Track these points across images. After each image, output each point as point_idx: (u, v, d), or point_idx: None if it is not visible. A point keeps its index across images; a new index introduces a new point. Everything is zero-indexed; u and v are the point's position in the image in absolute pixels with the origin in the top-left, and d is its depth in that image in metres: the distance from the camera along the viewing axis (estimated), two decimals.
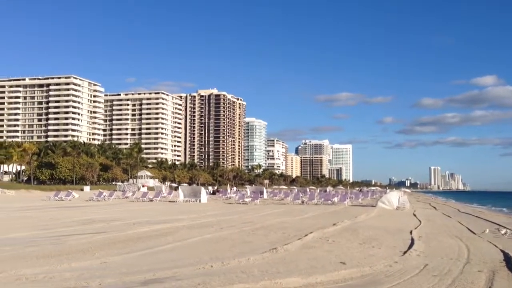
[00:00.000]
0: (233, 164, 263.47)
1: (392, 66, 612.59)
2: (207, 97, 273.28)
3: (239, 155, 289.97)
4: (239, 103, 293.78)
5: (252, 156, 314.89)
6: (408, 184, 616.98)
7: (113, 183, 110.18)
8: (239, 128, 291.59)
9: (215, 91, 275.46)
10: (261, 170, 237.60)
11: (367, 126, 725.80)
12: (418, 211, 40.13)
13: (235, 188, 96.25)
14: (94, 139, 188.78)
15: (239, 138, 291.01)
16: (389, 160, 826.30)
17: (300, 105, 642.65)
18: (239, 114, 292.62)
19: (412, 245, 16.20)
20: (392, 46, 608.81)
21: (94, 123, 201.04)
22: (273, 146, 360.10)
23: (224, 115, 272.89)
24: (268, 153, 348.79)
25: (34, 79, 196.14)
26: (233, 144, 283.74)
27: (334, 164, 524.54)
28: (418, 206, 54.11)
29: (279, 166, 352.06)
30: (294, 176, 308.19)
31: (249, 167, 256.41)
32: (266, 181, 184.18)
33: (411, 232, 20.63)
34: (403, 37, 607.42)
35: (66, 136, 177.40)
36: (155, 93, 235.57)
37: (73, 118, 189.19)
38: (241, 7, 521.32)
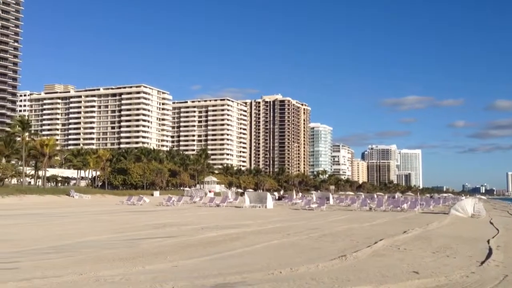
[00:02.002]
0: (298, 170, 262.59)
1: (463, 67, 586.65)
2: (271, 103, 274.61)
3: (304, 161, 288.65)
4: (304, 109, 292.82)
5: (317, 162, 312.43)
6: (483, 191, 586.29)
7: (181, 188, 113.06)
8: (304, 134, 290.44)
9: (279, 97, 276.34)
10: (327, 175, 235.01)
11: (437, 130, 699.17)
12: (495, 219, 37.96)
13: (300, 194, 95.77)
14: (162, 145, 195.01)
15: (304, 144, 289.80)
16: (462, 166, 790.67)
17: (366, 110, 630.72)
18: (304, 120, 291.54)
19: (490, 255, 15.34)
20: (463, 46, 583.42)
21: (162, 130, 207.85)
22: (339, 151, 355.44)
23: (288, 121, 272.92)
24: (334, 159, 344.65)
25: (108, 88, 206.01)
26: (298, 150, 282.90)
27: (402, 170, 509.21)
28: (494, 213, 51.22)
29: (345, 172, 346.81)
30: (360, 182, 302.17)
31: (315, 172, 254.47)
32: (332, 187, 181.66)
33: (488, 241, 19.55)
34: (474, 36, 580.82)
35: (137, 143, 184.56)
36: (221, 100, 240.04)
37: (143, 126, 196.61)
38: (304, 11, 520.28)
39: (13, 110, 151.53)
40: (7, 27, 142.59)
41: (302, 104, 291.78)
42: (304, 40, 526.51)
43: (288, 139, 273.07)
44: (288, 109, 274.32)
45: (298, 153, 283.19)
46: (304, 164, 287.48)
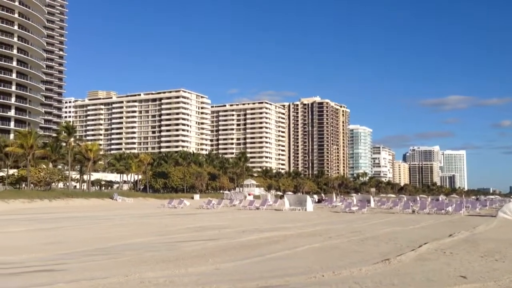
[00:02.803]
0: (338, 172, 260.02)
1: (508, 65, 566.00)
2: (310, 105, 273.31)
3: (343, 163, 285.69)
4: (343, 110, 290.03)
5: (357, 164, 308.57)
6: None
7: (221, 191, 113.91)
8: (343, 136, 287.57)
9: (317, 99, 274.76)
10: (367, 178, 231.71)
11: (482, 130, 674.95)
12: None
13: (342, 197, 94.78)
14: (202, 149, 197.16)
15: (343, 146, 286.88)
16: (509, 166, 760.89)
17: (406, 110, 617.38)
18: (343, 122, 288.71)
19: None
20: (508, 44, 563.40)
21: (201, 133, 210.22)
22: (379, 153, 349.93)
23: (327, 123, 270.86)
24: (374, 161, 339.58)
25: (148, 94, 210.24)
26: (337, 152, 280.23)
27: (446, 171, 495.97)
28: None
29: (386, 174, 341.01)
30: (402, 184, 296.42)
31: (354, 175, 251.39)
32: (373, 189, 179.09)
33: None
34: None
35: (176, 146, 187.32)
36: (259, 103, 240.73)
37: (183, 130, 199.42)
38: (340, 12, 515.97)
39: (59, 116, 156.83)
40: (52, 36, 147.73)
41: (341, 106, 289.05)
42: (342, 41, 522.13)
43: (327, 141, 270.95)
44: (327, 111, 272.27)
45: (338, 156, 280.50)
46: (343, 166, 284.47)
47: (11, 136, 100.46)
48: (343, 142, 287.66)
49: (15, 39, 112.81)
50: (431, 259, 14.56)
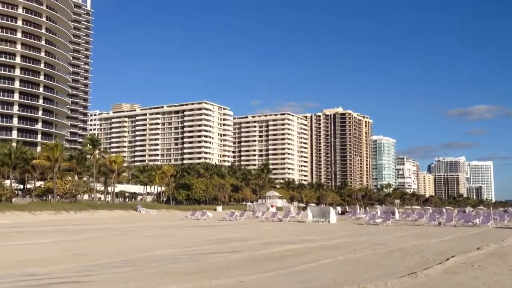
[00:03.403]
0: (361, 184, 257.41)
1: None
2: (332, 116, 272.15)
3: (367, 174, 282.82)
4: (365, 121, 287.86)
5: (380, 175, 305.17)
6: None
7: (243, 203, 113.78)
8: (366, 147, 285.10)
9: (340, 110, 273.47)
10: (391, 189, 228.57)
11: (509, 140, 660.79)
12: None
13: (368, 209, 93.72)
14: (224, 160, 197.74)
15: (366, 157, 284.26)
16: None
17: (430, 121, 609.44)
18: (366, 132, 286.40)
19: None
20: None
21: (224, 145, 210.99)
22: (403, 164, 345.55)
23: (350, 134, 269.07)
24: (398, 172, 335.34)
25: (171, 106, 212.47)
26: (361, 163, 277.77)
27: (472, 183, 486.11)
28: None
29: (410, 185, 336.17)
30: (427, 195, 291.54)
31: (378, 186, 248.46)
32: (397, 201, 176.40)
33: None
34: None
35: (199, 158, 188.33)
36: (281, 114, 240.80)
37: (205, 141, 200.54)
38: (363, 20, 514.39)
39: (84, 129, 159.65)
40: (78, 50, 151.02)
41: (364, 117, 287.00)
42: (363, 51, 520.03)
43: (350, 152, 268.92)
44: (349, 122, 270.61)
45: (361, 167, 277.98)
46: (367, 177, 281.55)
47: (38, 148, 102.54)
48: (366, 153, 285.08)
49: (43, 54, 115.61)
50: (459, 273, 14.25)
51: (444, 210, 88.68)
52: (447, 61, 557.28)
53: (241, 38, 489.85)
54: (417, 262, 16.54)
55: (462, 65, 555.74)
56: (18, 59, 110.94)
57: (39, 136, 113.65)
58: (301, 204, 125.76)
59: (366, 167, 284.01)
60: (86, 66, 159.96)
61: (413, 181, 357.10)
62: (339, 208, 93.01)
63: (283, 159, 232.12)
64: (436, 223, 47.54)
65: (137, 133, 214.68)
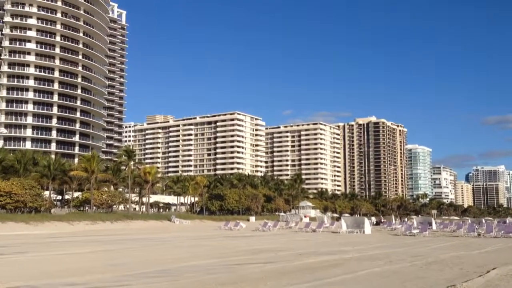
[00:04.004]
0: (396, 193, 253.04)
1: None
2: (365, 125, 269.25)
3: (402, 184, 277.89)
4: (400, 130, 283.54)
5: (416, 185, 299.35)
6: None
7: (276, 213, 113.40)
8: (400, 156, 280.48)
9: (373, 119, 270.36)
10: (428, 199, 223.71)
11: None
12: None
13: (406, 219, 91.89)
14: (257, 171, 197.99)
15: (401, 166, 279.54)
16: None
17: (467, 129, 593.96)
18: (400, 141, 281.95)
19: None
20: None
21: (256, 155, 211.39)
22: (440, 173, 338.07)
23: (384, 143, 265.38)
24: (434, 181, 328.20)
25: (204, 117, 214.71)
26: (395, 173, 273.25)
27: None
28: None
29: (448, 195, 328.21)
30: (465, 205, 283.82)
31: (414, 196, 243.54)
32: (434, 211, 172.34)
33: None
34: None
35: (232, 168, 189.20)
36: (313, 124, 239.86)
37: (238, 152, 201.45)
38: (396, 28, 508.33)
39: (120, 141, 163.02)
40: (113, 64, 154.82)
41: (398, 126, 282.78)
42: (397, 59, 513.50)
43: (384, 162, 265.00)
44: (383, 131, 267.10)
45: (395, 176, 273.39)
46: (402, 187, 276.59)
47: (76, 160, 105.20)
48: (401, 163, 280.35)
49: (80, 68, 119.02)
50: (500, 286, 13.78)
51: (483, 221, 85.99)
52: (484, 67, 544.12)
53: (271, 49, 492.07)
54: (456, 275, 16.08)
55: (499, 71, 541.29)
56: (56, 74, 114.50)
57: (77, 148, 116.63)
58: (335, 215, 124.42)
59: (401, 177, 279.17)
60: (121, 79, 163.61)
61: (450, 191, 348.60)
62: (373, 219, 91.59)
63: (316, 169, 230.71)
64: (476, 234, 46.20)
65: (170, 144, 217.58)
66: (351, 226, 49.83)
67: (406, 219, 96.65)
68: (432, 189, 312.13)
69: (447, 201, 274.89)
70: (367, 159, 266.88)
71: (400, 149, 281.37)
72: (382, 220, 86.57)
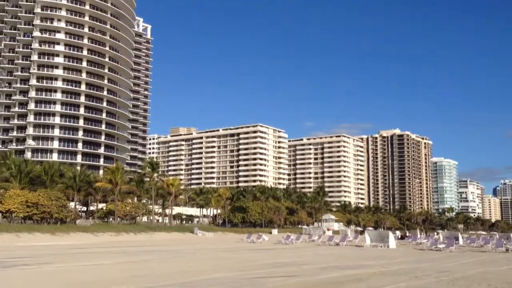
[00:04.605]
0: (421, 207, 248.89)
1: None
2: (389, 138, 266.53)
3: (427, 198, 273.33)
4: (425, 143, 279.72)
5: (442, 199, 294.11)
6: None
7: (299, 226, 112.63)
8: (425, 169, 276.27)
9: (397, 131, 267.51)
10: (454, 213, 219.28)
11: None
12: None
13: (433, 234, 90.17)
14: (279, 183, 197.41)
15: (426, 179, 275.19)
16: None
17: (495, 141, 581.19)
18: (425, 154, 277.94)
19: None
20: None
21: (279, 168, 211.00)
22: (466, 187, 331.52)
23: (408, 156, 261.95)
24: (461, 195, 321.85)
25: (226, 129, 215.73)
26: (420, 186, 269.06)
27: None
28: None
29: (474, 209, 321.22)
30: (493, 220, 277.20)
31: (440, 210, 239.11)
32: (460, 226, 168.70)
33: None
34: None
35: (254, 181, 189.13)
36: (336, 136, 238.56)
37: (260, 164, 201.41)
38: (420, 38, 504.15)
39: (144, 152, 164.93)
40: (138, 77, 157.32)
41: (423, 138, 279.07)
42: (420, 71, 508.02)
43: (409, 175, 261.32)
44: (407, 143, 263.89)
45: (420, 190, 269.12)
46: (427, 201, 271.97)
47: (101, 172, 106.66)
48: (426, 176, 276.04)
49: (106, 81, 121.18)
50: None
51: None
52: (510, 80, 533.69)
53: (293, 62, 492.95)
54: None
55: None
56: (83, 87, 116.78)
57: (102, 160, 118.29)
58: (358, 228, 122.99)
59: (426, 190, 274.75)
60: (146, 92, 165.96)
61: (477, 205, 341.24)
62: (398, 233, 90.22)
63: (339, 181, 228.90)
64: (504, 249, 45.00)
65: (193, 156, 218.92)
66: (375, 240, 49.12)
67: (433, 234, 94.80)
68: (459, 203, 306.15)
69: (474, 215, 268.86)
70: (391, 172, 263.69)
71: (425, 162, 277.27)
72: (407, 234, 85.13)
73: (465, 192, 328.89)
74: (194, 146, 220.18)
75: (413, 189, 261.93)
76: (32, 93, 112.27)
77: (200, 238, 68.22)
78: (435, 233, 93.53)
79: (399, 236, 77.66)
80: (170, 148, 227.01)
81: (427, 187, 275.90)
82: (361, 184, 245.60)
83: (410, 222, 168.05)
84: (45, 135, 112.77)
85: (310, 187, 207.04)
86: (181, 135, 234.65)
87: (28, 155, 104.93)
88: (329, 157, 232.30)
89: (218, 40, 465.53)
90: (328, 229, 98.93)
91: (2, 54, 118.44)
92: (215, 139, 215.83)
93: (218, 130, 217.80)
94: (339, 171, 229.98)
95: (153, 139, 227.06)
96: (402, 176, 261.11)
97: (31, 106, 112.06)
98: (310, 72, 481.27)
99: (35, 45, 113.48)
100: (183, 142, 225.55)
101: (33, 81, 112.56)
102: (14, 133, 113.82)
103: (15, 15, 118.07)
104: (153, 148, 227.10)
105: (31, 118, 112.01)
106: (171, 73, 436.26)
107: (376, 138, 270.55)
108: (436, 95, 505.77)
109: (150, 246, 43.24)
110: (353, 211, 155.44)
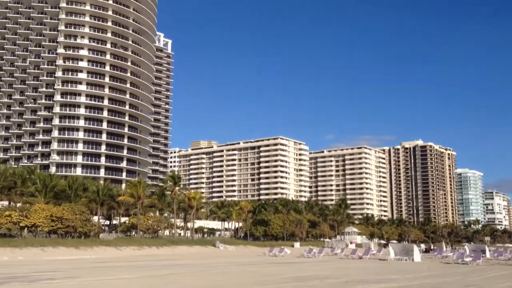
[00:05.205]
0: (446, 219, 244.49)
1: None
2: (411, 149, 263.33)
3: (452, 210, 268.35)
4: (448, 154, 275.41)
5: (467, 211, 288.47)
6: None
7: (321, 239, 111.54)
8: (450, 180, 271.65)
9: (420, 142, 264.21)
10: (480, 225, 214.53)
11: None
12: None
13: (462, 247, 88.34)
14: (300, 196, 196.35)
15: (451, 191, 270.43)
16: None
17: None
18: (449, 165, 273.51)
19: None
20: None
21: (300, 180, 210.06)
22: (492, 198, 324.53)
23: (432, 167, 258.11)
24: (487, 207, 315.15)
25: (247, 142, 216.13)
26: (445, 198, 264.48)
27: None
28: None
29: (501, 221, 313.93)
30: None
31: (465, 222, 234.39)
32: (487, 238, 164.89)
33: None
34: None
35: (275, 194, 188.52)
36: (357, 148, 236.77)
37: (282, 177, 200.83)
38: (440, 54, 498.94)
39: (165, 166, 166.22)
40: (159, 91, 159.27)
41: (446, 149, 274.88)
42: (442, 80, 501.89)
43: (433, 186, 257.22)
44: (431, 154, 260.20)
45: (445, 202, 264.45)
46: (452, 213, 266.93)
47: (123, 186, 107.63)
48: (451, 187, 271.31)
49: (128, 96, 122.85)
50: None
51: None
52: None
53: (312, 74, 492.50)
54: None
55: None
56: (106, 102, 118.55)
57: (124, 174, 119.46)
58: (382, 241, 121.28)
59: (451, 202, 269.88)
60: (167, 106, 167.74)
61: (504, 216, 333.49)
62: (423, 246, 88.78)
63: (361, 194, 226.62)
64: None
65: (214, 169, 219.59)
66: (400, 253, 48.35)
67: (463, 247, 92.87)
68: (485, 215, 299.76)
69: (501, 227, 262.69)
70: (415, 183, 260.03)
71: (449, 173, 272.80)
72: (432, 248, 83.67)
73: (491, 204, 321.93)
74: (215, 159, 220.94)
75: (438, 201, 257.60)
76: (57, 109, 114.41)
77: (222, 252, 68.12)
78: (465, 246, 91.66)
79: (424, 249, 76.41)
80: (191, 162, 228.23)
81: (451, 199, 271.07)
82: (384, 196, 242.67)
83: (435, 235, 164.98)
84: (69, 150, 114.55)
85: (331, 200, 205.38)
86: (202, 148, 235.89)
87: (53, 169, 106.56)
88: (351, 169, 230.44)
89: (237, 54, 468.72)
90: (350, 242, 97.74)
91: (27, 71, 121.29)
92: (235, 152, 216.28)
93: (239, 143, 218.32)
94: (361, 183, 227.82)
95: (174, 152, 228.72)
96: (425, 188, 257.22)
97: (56, 121, 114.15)
98: (328, 86, 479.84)
99: (59, 61, 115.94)
100: (204, 155, 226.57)
101: (58, 97, 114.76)
102: (39, 148, 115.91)
103: (39, 33, 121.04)
104: (174, 162, 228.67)
105: (55, 133, 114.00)
106: (191, 87, 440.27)
107: (398, 149, 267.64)
108: (459, 105, 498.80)
109: (173, 260, 43.32)
110: (376, 223, 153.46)
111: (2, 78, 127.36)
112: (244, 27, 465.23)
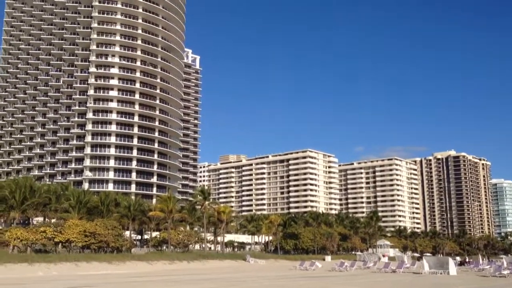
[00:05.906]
0: (482, 231, 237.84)
1: None
2: (444, 160, 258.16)
3: (488, 221, 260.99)
4: (483, 164, 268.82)
5: (504, 222, 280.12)
6: None
7: (352, 252, 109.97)
8: (485, 191, 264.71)
9: (452, 153, 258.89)
10: None
11: None
12: None
13: (505, 260, 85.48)
14: (331, 208, 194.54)
15: (486, 202, 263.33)
16: None
17: None
18: (484, 176, 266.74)
19: None
20: None
21: (330, 193, 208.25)
22: None
23: (466, 178, 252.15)
24: None
25: (276, 155, 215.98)
26: (480, 209, 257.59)
27: None
28: None
29: None
30: None
31: (502, 234, 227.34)
32: None
33: None
34: None
35: (305, 207, 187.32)
36: (388, 160, 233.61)
37: (311, 189, 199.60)
38: (471, 60, 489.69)
39: (195, 181, 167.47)
40: (188, 107, 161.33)
41: (480, 159, 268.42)
42: (472, 89, 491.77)
43: (467, 197, 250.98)
44: (464, 165, 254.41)
45: (480, 213, 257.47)
46: (488, 224, 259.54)
47: (154, 201, 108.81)
48: (486, 198, 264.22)
49: (157, 112, 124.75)
50: None
51: None
52: None
53: (340, 86, 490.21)
54: None
55: None
56: (136, 118, 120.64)
57: (154, 189, 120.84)
58: (415, 254, 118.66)
59: (487, 213, 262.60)
60: (196, 121, 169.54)
61: None
62: (458, 258, 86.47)
63: (393, 206, 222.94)
64: None
65: (243, 183, 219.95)
66: (434, 267, 47.18)
67: (500, 259, 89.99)
68: None
69: None
70: (448, 195, 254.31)
71: (484, 184, 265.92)
72: (468, 260, 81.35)
73: None
74: (244, 173, 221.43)
75: (472, 212, 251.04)
76: (89, 126, 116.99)
77: (252, 266, 67.84)
78: (503, 259, 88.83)
79: (459, 262, 74.37)
80: (221, 176, 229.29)
81: (487, 210, 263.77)
82: (416, 208, 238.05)
83: (471, 247, 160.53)
84: (101, 166, 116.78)
85: (362, 212, 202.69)
86: (230, 162, 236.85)
87: (86, 186, 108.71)
88: (381, 180, 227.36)
89: (265, 68, 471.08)
90: (383, 255, 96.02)
91: (61, 90, 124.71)
92: (264, 165, 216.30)
93: (268, 157, 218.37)
94: (392, 195, 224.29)
95: (204, 167, 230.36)
96: (460, 199, 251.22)
97: (88, 138, 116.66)
98: (357, 98, 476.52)
99: (91, 80, 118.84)
100: (233, 169, 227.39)
101: (90, 115, 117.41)
102: (73, 165, 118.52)
103: (72, 53, 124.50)
104: (204, 176, 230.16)
105: (88, 150, 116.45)
106: (220, 101, 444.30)
107: (430, 160, 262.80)
108: (492, 114, 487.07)
109: (203, 274, 43.37)
110: (408, 236, 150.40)
111: (37, 98, 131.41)
112: (269, 40, 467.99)
